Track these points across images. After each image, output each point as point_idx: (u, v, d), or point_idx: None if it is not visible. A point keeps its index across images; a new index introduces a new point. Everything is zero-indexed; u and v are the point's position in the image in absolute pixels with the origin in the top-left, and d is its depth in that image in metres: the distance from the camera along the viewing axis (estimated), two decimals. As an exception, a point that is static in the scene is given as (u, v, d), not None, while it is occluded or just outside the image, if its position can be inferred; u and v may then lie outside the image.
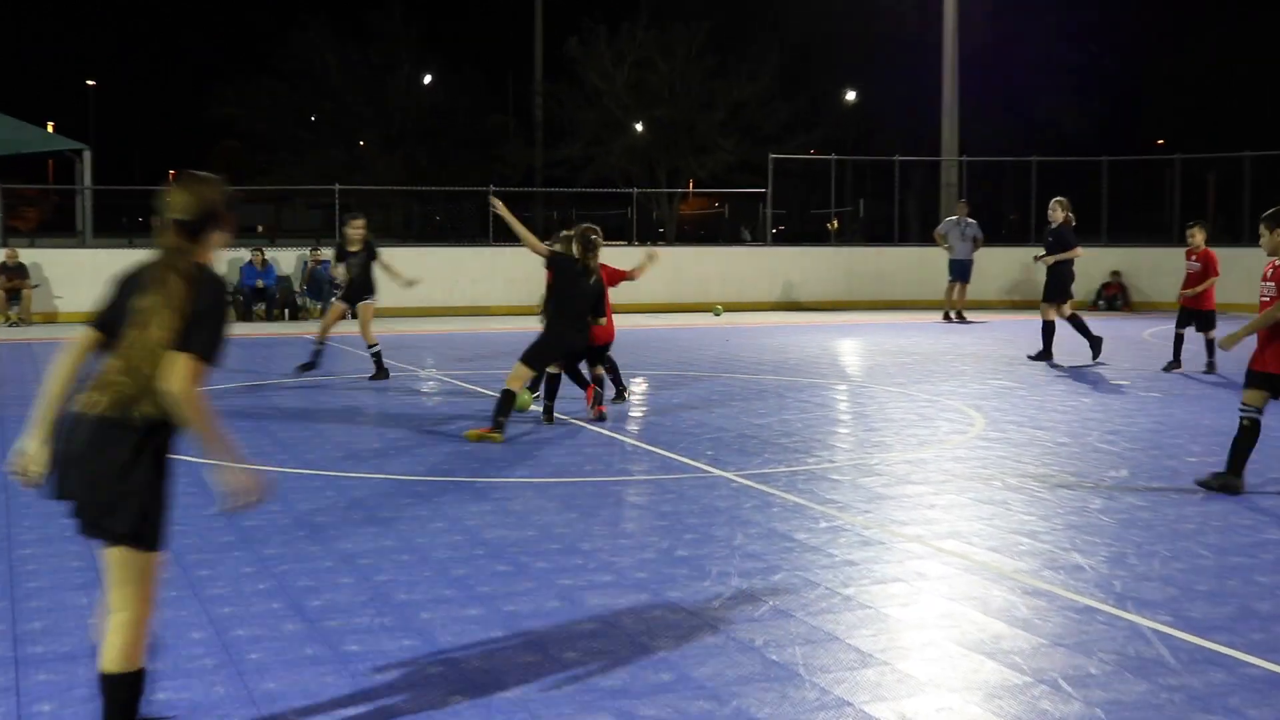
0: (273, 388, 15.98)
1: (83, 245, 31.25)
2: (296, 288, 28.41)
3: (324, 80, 58.00)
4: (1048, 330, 18.77)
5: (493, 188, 31.82)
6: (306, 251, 29.09)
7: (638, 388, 16.08)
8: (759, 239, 37.65)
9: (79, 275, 26.20)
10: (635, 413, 14.09)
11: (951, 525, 8.71)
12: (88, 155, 32.76)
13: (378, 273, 16.60)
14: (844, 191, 48.86)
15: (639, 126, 50.36)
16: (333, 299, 17.21)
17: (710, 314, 24.03)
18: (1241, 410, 9.57)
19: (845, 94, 58.23)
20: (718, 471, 10.51)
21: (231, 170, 72.61)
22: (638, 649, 6.20)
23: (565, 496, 9.59)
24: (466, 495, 9.62)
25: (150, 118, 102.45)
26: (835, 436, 12.50)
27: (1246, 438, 9.54)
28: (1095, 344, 18.57)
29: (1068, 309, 18.70)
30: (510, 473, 10.50)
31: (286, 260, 28.99)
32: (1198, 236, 17.43)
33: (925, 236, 31.58)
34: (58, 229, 41.95)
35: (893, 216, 34.75)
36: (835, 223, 45.70)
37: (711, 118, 48.67)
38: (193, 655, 6.07)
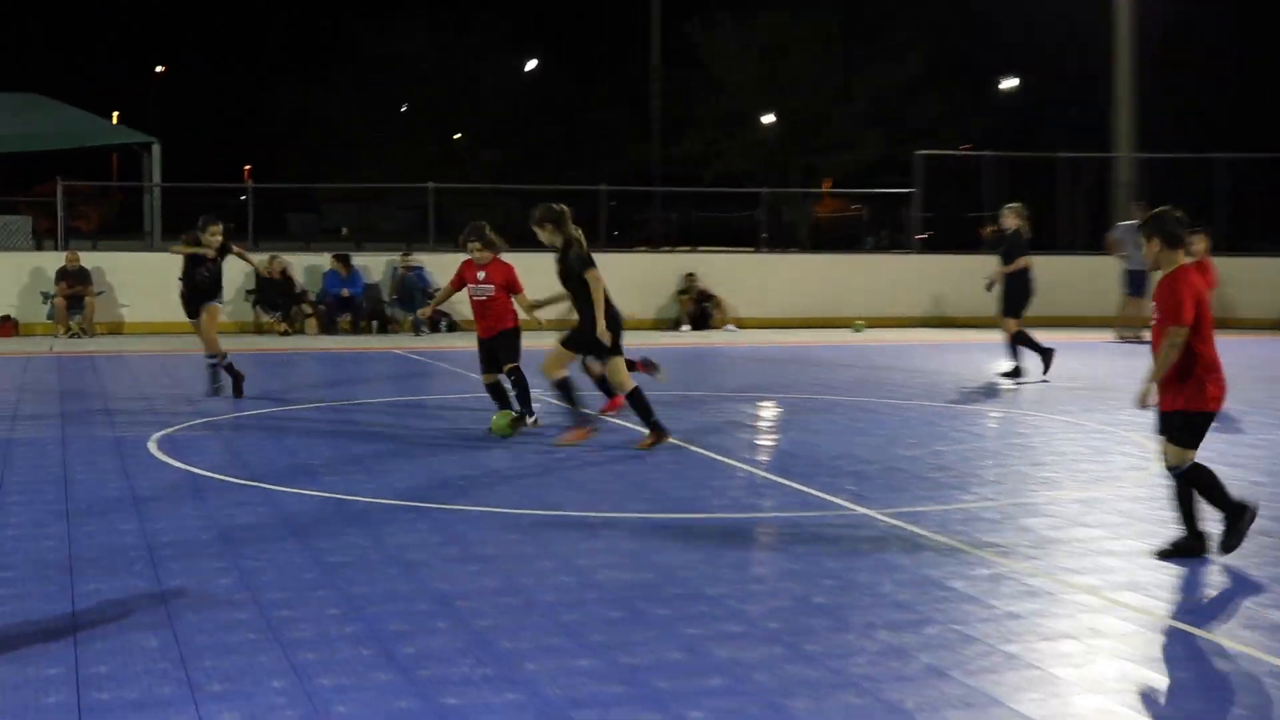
0: (358, 408, 16.15)
1: (150, 248, 31.76)
2: (386, 297, 28.71)
3: (415, 67, 58.64)
4: (1017, 342, 19.11)
5: (605, 187, 31.97)
6: (397, 257, 29.38)
7: (766, 412, 16.03)
8: (901, 246, 37.37)
9: (146, 281, 26.67)
10: (764, 441, 14.05)
11: (1130, 575, 8.57)
12: (156, 149, 33.36)
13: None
14: (1001, 192, 48.41)
15: (769, 119, 50.31)
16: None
17: (850, 330, 23.90)
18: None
19: (1003, 82, 57.74)
20: (860, 509, 10.44)
21: (312, 166, 73.60)
22: (771, 709, 6.15)
23: (687, 535, 9.57)
24: (576, 532, 9.64)
25: (224, 108, 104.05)
26: (994, 471, 12.36)
27: (1183, 491, 8.93)
28: (1045, 357, 19.06)
29: (1014, 324, 19.05)
30: (625, 507, 10.51)
31: (375, 266, 29.31)
32: (1200, 244, 17.87)
33: (1096, 244, 31.21)
34: (123, 230, 42.80)
35: (1057, 221, 34.38)
36: (991, 228, 45.32)
37: (851, 109, 48.64)
38: (273, 705, 6.12)
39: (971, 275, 31.41)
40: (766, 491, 11.37)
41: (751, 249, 35.93)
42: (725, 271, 30.79)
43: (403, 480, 11.56)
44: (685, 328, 29.01)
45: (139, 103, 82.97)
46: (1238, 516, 8.82)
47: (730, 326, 29.21)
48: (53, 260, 27.37)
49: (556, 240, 13.34)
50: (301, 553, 8.85)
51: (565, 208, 13.48)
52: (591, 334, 13.04)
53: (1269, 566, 8.81)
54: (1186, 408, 8.71)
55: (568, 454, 12.77)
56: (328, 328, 27.63)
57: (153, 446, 13.10)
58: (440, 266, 28.61)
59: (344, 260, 28.36)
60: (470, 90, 58.89)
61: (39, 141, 35.66)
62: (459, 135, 60.46)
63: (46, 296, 26.72)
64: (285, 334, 26.90)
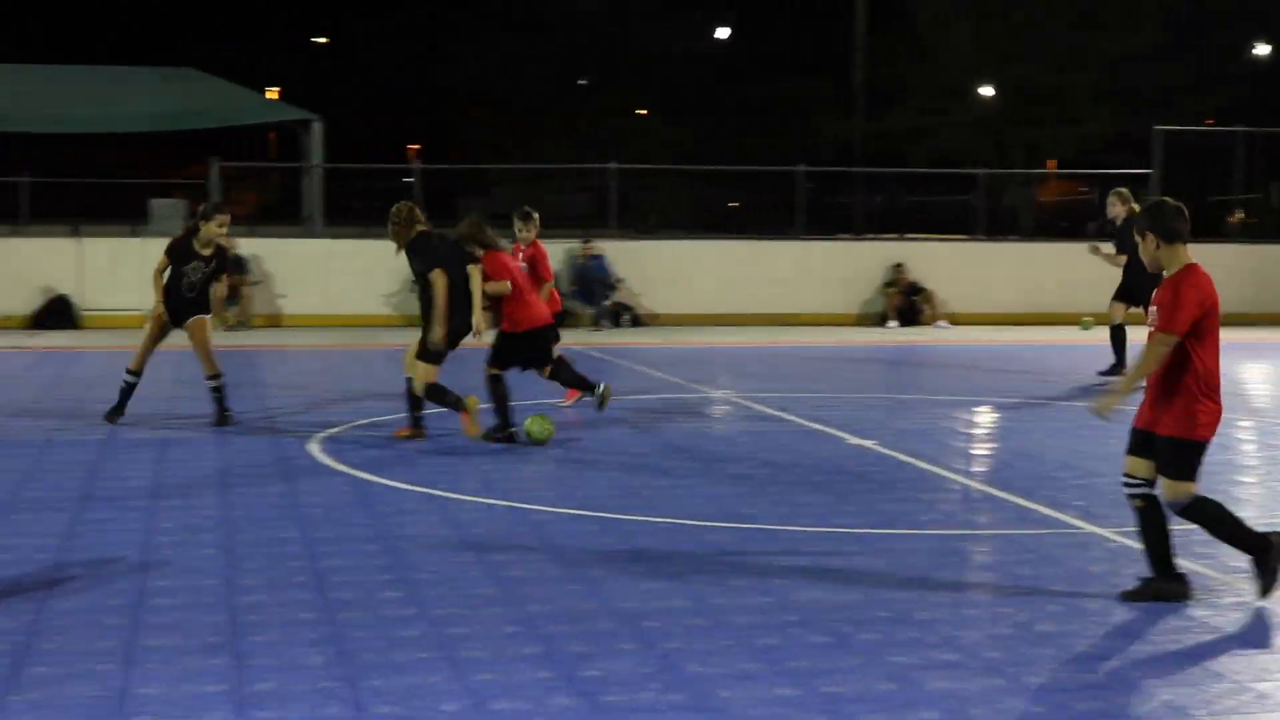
0: (532, 410, 16.30)
1: (311, 234, 32.17)
2: (564, 287, 28.92)
3: (595, 35, 58.90)
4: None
5: (803, 167, 31.89)
6: (575, 244, 29.56)
7: (982, 418, 15.93)
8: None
9: (307, 270, 27.18)
10: (980, 450, 13.95)
11: (1399, 605, 8.38)
12: (317, 126, 33.85)
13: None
14: (1251, 173, 47.40)
15: (986, 91, 49.80)
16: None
17: (1077, 328, 23.58)
18: (1125, 486, 8.56)
19: (1254, 48, 56.49)
20: (1090, 527, 10.34)
21: (484, 145, 74.40)
22: (991, 747, 6.14)
23: (895, 552, 9.54)
24: (774, 546, 9.66)
25: (389, 81, 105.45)
26: (1241, 487, 12.15)
27: (1147, 523, 8.45)
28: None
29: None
30: (827, 521, 10.50)
31: (551, 254, 29.41)
32: None
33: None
34: (282, 215, 43.54)
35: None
36: (1239, 213, 44.41)
37: (1079, 80, 47.83)
38: (446, 730, 6.26)
39: (1217, 267, 30.80)
40: (983, 506, 11.30)
41: (966, 237, 35.57)
42: (937, 262, 30.46)
43: (582, 488, 11.67)
44: (892, 324, 28.78)
45: (299, 77, 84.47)
46: (1264, 552, 8.32)
47: (942, 323, 28.94)
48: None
49: (400, 241, 13.45)
50: (475, 566, 8.99)
51: (408, 206, 13.72)
52: (433, 341, 13.33)
53: None
54: (1173, 434, 8.21)
55: (761, 463, 12.79)
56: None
57: (315, 448, 13.38)
58: (622, 254, 28.81)
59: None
60: (656, 61, 58.99)
61: (194, 119, 36.39)
62: (643, 111, 60.62)
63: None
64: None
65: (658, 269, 29.03)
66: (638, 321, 28.02)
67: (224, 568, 8.97)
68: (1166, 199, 8.68)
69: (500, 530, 10.15)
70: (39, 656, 7.17)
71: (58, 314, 26.41)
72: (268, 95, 43.35)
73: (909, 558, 9.40)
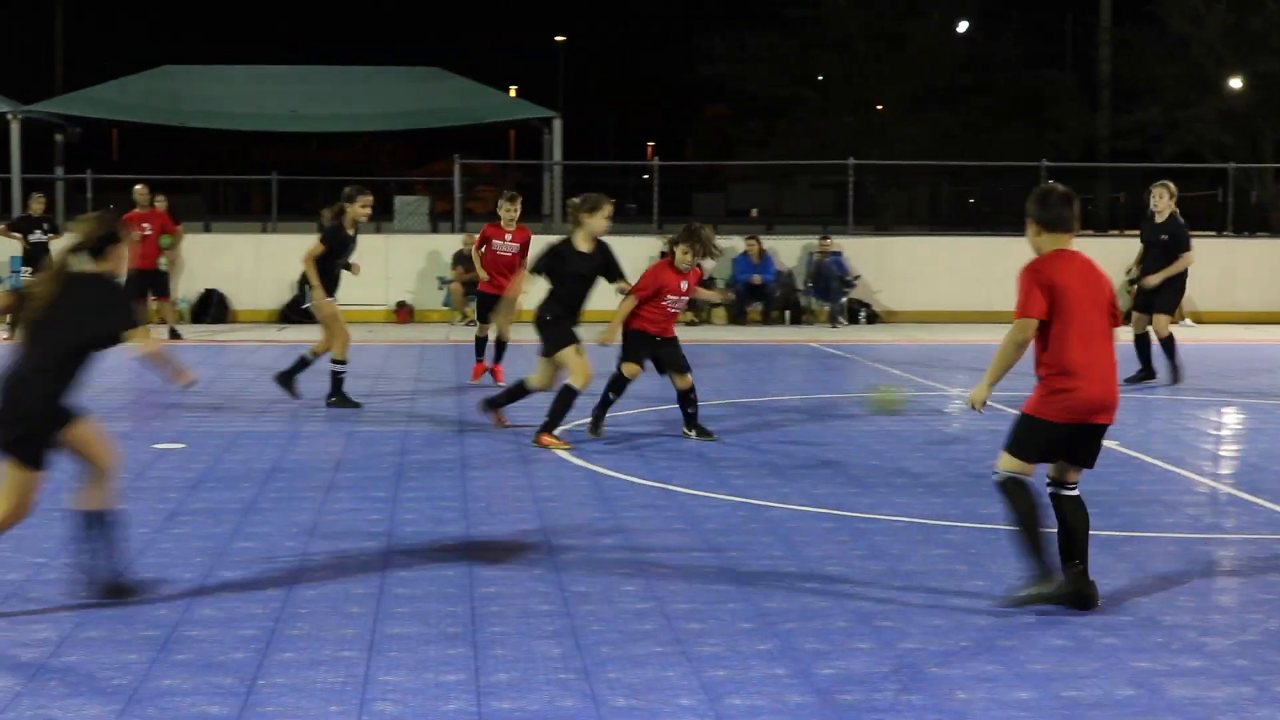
0: (769, 406, 16.32)
1: (550, 230, 32.53)
2: (800, 285, 28.91)
3: (835, 31, 58.59)
4: (1167, 347, 18.16)
5: (1045, 162, 31.46)
6: (814, 240, 29.49)
7: (1230, 418, 15.60)
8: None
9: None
10: (1225, 451, 13.65)
11: None
12: (557, 124, 34.27)
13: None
14: None
15: (1237, 83, 48.62)
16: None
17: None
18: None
19: None
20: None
21: (721, 142, 74.46)
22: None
23: (1137, 555, 9.39)
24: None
25: (627, 79, 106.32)
26: None
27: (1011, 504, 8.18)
28: (1174, 370, 18.15)
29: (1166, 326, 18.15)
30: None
31: (788, 251, 29.48)
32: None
33: None
34: (523, 212, 43.98)
35: None
36: None
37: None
38: (681, 725, 6.30)
39: None
40: (1230, 509, 11.08)
41: (1214, 233, 34.79)
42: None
43: (818, 486, 11.66)
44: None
45: (540, 75, 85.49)
46: (1045, 575, 8.00)
47: (1188, 321, 28.34)
48: (449, 243, 28.44)
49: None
50: (712, 561, 9.03)
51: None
52: None
53: None
54: (1026, 410, 8.10)
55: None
56: (737, 318, 27.96)
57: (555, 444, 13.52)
58: (860, 251, 28.70)
59: (755, 243, 28.65)
60: (895, 54, 58.44)
61: (437, 118, 37.05)
62: (881, 106, 60.12)
63: (443, 282, 27.81)
64: (691, 324, 27.27)
65: (895, 266, 28.88)
66: (874, 318, 27.89)
67: (464, 559, 9.12)
68: (1056, 186, 8.52)
69: (734, 525, 10.18)
70: (286, 643, 7.37)
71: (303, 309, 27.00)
72: (509, 93, 43.77)
73: (1153, 560, 9.25)
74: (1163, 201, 18.01)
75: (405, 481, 11.72)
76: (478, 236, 18.37)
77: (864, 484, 11.76)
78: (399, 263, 28.14)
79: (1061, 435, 8.03)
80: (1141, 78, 49.85)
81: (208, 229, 35.16)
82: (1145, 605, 8.20)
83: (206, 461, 12.53)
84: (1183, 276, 18.21)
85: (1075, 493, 8.20)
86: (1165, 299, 18.18)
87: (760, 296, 28.38)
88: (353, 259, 15.86)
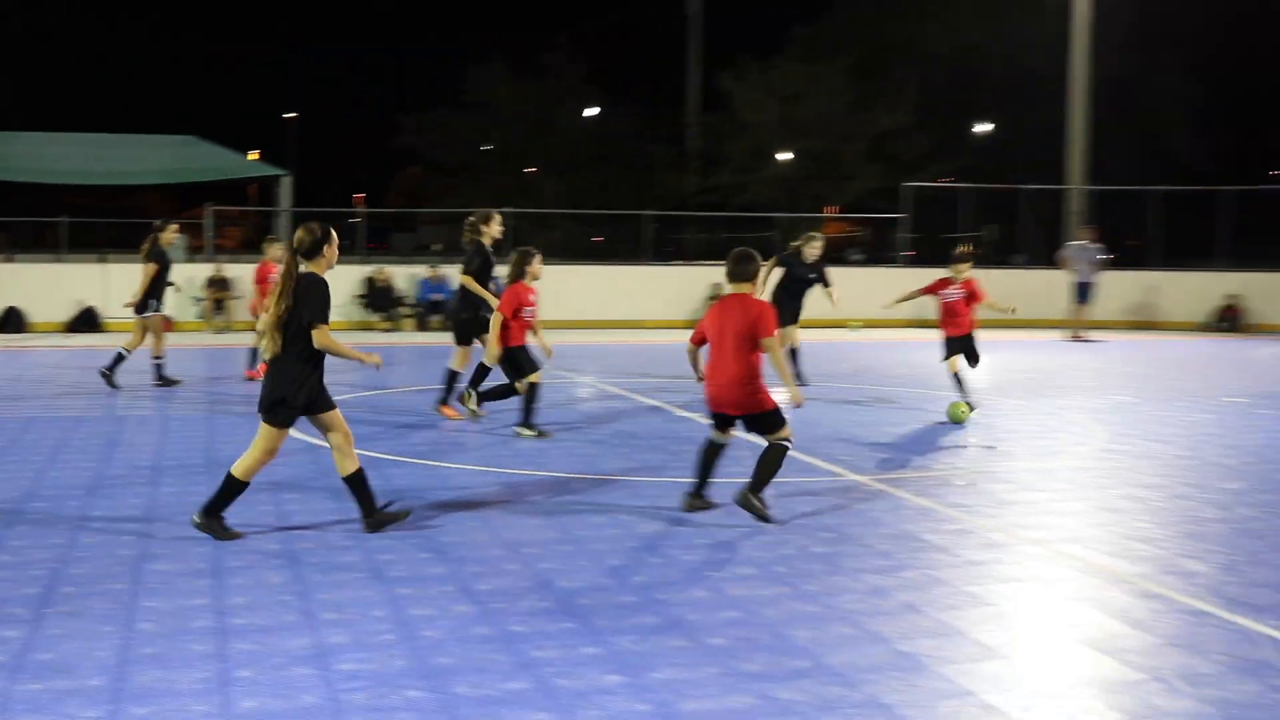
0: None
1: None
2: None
3: (498, 112, 58.66)
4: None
5: (649, 211, 32.00)
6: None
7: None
8: (890, 261, 37.10)
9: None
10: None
11: (1072, 531, 8.58)
12: (287, 180, 33.59)
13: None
14: (977, 217, 48.10)
15: (786, 156, 50.17)
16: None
17: (848, 330, 23.79)
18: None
19: (980, 125, 57.42)
20: (853, 475, 10.47)
21: (413, 194, 73.72)
22: (777, 637, 6.22)
23: (717, 495, 9.56)
24: (622, 492, 9.70)
25: (344, 146, 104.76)
26: (963, 445, 12.36)
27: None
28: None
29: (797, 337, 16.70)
30: (662, 472, 10.55)
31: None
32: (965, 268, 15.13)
33: (1050, 261, 31.06)
34: (259, 247, 43.04)
35: (1020, 242, 34.24)
36: (966, 247, 44.99)
37: (854, 147, 48.32)
38: (375, 631, 6.22)
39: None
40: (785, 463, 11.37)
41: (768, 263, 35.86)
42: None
43: (493, 450, 11.62)
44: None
45: (274, 142, 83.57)
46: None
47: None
48: (203, 270, 27.67)
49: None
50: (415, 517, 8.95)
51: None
52: None
53: (1188, 524, 8.80)
54: (773, 405, 8.68)
55: (617, 431, 12.79)
56: (422, 326, 27.78)
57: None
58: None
59: (435, 270, 28.50)
60: (544, 131, 58.83)
61: (195, 174, 36.08)
62: (534, 168, 60.41)
63: (196, 300, 27.04)
64: (387, 331, 27.08)
65: (543, 287, 28.88)
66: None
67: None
68: (741, 249, 8.81)
69: (421, 484, 10.08)
70: (68, 580, 7.07)
71: (86, 321, 26.10)
72: (250, 157, 42.63)
73: (720, 496, 9.42)
74: (817, 247, 16.80)
75: (164, 457, 11.31)
76: (258, 269, 17.60)
77: (514, 447, 11.72)
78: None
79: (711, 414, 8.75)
80: (719, 151, 51.09)
81: (10, 259, 33.47)
82: (716, 530, 8.39)
83: (5, 441, 11.89)
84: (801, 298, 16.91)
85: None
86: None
87: (439, 310, 28.21)
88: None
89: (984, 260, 44.28)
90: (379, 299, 27.87)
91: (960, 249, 15.23)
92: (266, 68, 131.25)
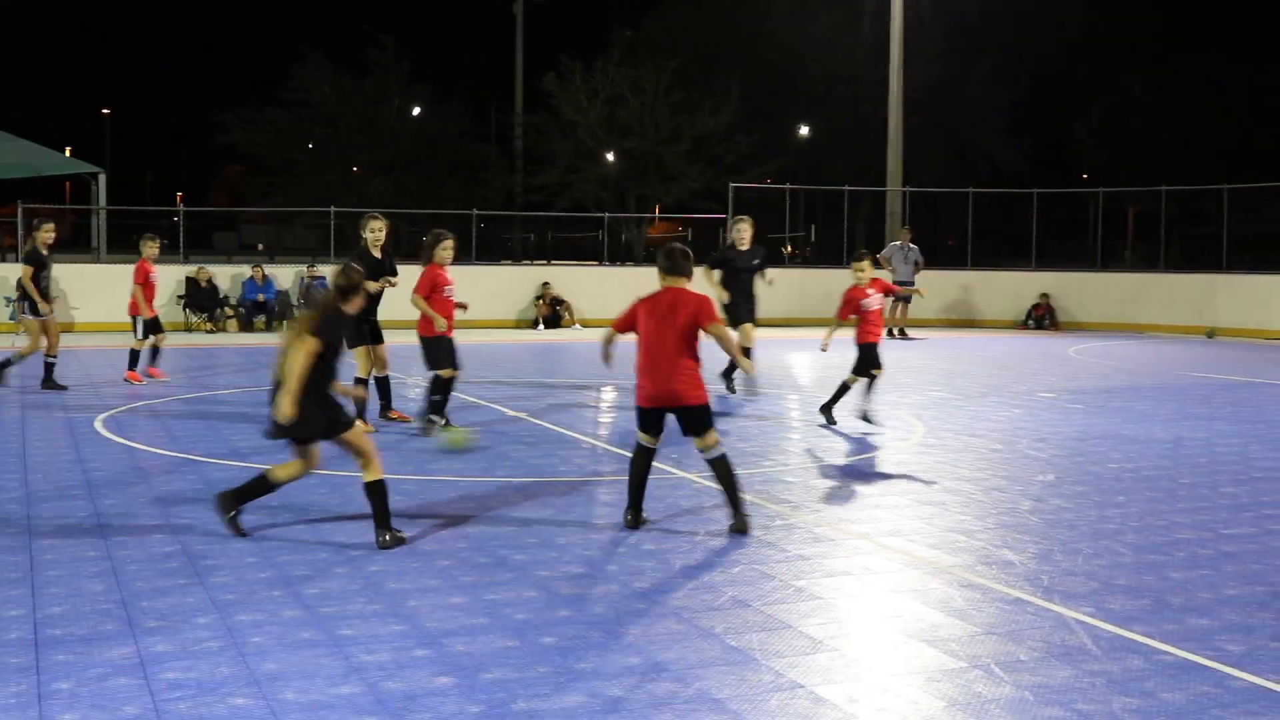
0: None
1: (97, 261, 31.06)
2: (294, 301, 28.31)
3: (322, 110, 57.69)
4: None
5: (476, 211, 31.82)
6: (303, 268, 28.98)
7: (609, 395, 16.10)
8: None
9: (94, 289, 26.06)
10: (604, 419, 14.09)
11: (894, 524, 8.75)
12: (102, 178, 32.57)
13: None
14: (799, 218, 48.99)
15: (611, 156, 50.36)
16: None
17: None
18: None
19: (800, 128, 58.43)
20: (681, 473, 10.51)
21: (235, 193, 72.11)
22: (609, 635, 6.21)
23: (541, 496, 9.57)
24: (450, 493, 9.61)
25: (161, 143, 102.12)
26: (788, 442, 12.54)
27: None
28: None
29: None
30: (491, 472, 10.49)
31: (285, 276, 28.90)
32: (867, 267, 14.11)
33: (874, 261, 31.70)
34: (74, 246, 41.65)
35: (842, 241, 34.91)
36: (790, 246, 45.76)
37: (677, 149, 48.70)
38: (199, 638, 6.06)
39: (778, 284, 31.60)
40: (607, 460, 11.41)
41: (595, 262, 35.96)
42: (573, 281, 30.76)
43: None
44: (540, 327, 28.96)
45: (89, 139, 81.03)
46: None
47: (577, 325, 29.22)
48: (14, 270, 26.60)
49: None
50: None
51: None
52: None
53: (1004, 515, 9.04)
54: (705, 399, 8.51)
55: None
56: (246, 327, 27.21)
57: (99, 425, 12.82)
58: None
59: (259, 270, 27.95)
60: (368, 129, 58.04)
61: (4, 171, 34.64)
62: (357, 167, 59.56)
63: (8, 300, 25.99)
64: (210, 333, 26.45)
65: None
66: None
67: (24, 518, 8.53)
68: (676, 245, 8.75)
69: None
70: None
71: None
72: (64, 153, 41.22)
73: (550, 499, 9.41)
74: (746, 231, 16.11)
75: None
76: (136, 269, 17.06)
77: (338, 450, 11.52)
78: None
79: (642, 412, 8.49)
80: (544, 150, 51.02)
81: None
82: (546, 531, 8.36)
83: None
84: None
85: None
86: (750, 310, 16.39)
87: (264, 310, 27.66)
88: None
89: (808, 260, 45.14)
90: (201, 299, 27.18)
91: (860, 250, 14.82)
92: (81, 62, 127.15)
